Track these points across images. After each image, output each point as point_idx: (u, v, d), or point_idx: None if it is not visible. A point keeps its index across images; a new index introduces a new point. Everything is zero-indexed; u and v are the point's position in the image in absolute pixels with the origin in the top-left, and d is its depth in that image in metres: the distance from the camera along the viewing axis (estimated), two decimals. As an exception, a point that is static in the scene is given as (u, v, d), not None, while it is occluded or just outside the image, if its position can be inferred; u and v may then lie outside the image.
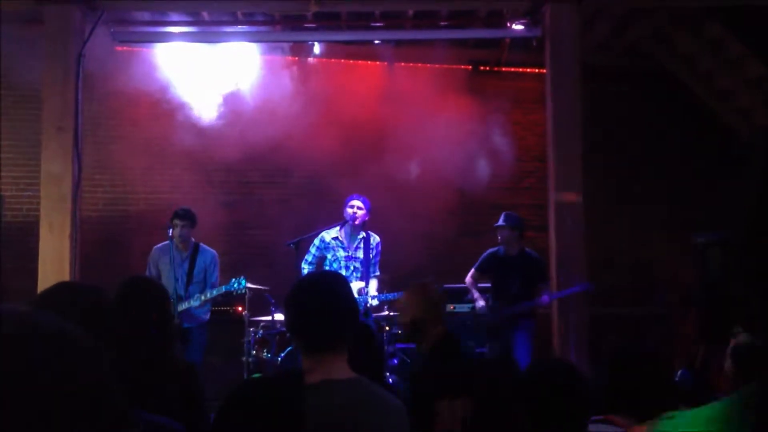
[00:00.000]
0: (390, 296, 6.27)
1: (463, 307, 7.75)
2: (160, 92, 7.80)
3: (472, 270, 6.95)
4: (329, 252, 6.44)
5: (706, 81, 8.42)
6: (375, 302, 6.22)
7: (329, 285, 2.20)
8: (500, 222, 6.79)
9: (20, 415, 0.63)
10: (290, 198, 8.83)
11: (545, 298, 6.34)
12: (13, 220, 8.10)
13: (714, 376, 6.42)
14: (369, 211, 6.41)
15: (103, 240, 8.01)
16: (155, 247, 6.50)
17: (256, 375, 2.29)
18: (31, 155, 7.72)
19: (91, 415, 0.68)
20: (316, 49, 8.05)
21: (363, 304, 6.14)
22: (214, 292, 6.12)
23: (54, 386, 0.66)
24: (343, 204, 6.47)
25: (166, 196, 8.59)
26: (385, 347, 6.68)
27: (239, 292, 6.10)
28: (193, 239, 6.44)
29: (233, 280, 6.05)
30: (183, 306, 6.05)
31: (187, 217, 6.30)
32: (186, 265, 6.33)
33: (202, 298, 6.10)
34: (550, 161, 6.32)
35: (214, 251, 6.53)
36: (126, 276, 2.93)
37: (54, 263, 5.99)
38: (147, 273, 6.33)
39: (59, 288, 1.94)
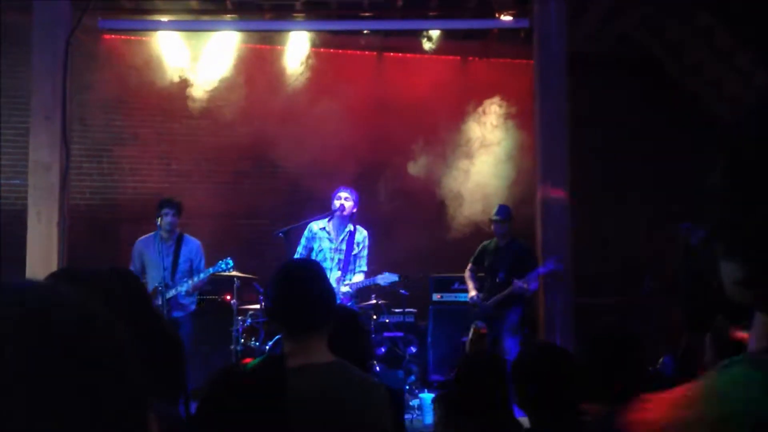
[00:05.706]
0: (366, 283, 6.24)
1: (450, 297, 7.81)
2: (148, 81, 7.78)
3: (470, 263, 7.09)
4: (315, 242, 6.34)
5: (695, 70, 8.45)
6: (347, 289, 6.15)
7: (302, 271, 2.29)
8: (496, 216, 6.87)
9: (47, 385, 0.63)
10: (279, 189, 8.82)
11: (518, 284, 6.39)
12: (2, 209, 8.08)
13: (699, 363, 6.48)
14: (356, 203, 6.31)
15: (91, 229, 8.00)
16: (139, 239, 6.53)
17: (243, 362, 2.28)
18: (19, 144, 7.70)
19: (112, 386, 0.67)
20: (307, 38, 8.03)
21: (338, 293, 6.11)
22: (202, 275, 6.19)
23: (78, 358, 0.66)
24: (331, 196, 6.42)
25: (155, 186, 8.58)
26: (373, 336, 6.71)
27: (227, 271, 6.17)
28: (177, 230, 6.46)
29: (220, 261, 6.11)
30: (171, 293, 6.09)
31: (175, 205, 6.35)
32: (171, 256, 6.35)
33: (191, 282, 6.16)
34: (538, 153, 6.34)
35: (197, 240, 6.58)
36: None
37: (42, 252, 5.98)
38: (131, 266, 6.35)
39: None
